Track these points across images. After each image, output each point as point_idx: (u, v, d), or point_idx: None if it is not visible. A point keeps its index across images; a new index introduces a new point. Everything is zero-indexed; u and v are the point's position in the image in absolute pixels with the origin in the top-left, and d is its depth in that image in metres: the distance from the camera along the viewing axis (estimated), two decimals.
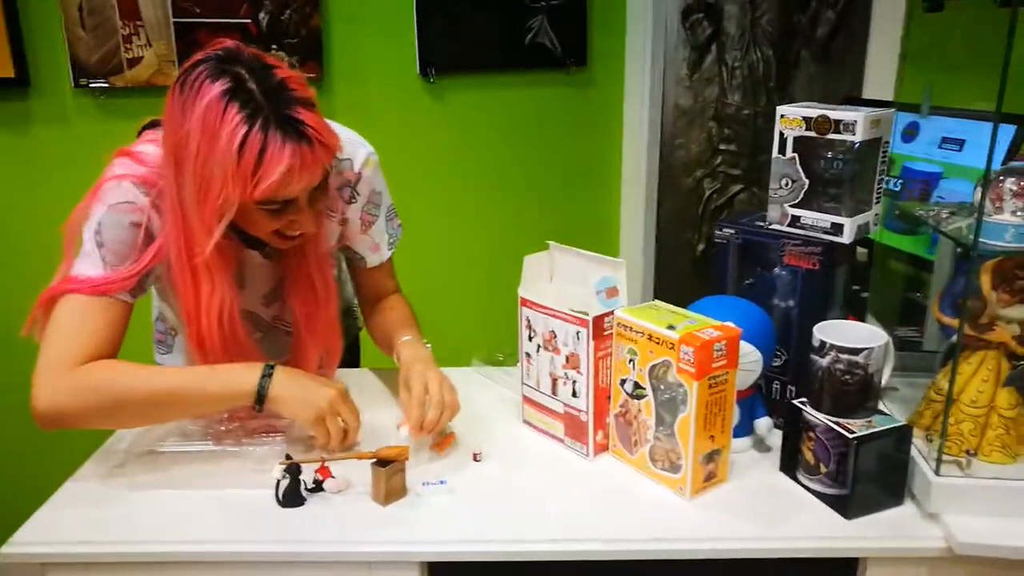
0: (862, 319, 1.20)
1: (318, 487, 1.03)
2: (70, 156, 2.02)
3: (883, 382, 1.04)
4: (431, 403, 1.10)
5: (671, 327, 1.01)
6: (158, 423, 1.14)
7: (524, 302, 1.17)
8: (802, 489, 1.04)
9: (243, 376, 1.05)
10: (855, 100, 1.83)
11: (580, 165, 2.81)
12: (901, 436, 0.99)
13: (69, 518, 0.99)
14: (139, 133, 1.15)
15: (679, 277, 2.92)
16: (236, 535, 0.96)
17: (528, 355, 1.18)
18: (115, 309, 1.06)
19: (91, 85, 2.02)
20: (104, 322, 1.05)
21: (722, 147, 2.77)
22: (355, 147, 1.21)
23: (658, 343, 1.02)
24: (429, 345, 1.26)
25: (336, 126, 1.13)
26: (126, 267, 1.06)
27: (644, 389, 1.05)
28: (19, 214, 2.03)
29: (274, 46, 2.18)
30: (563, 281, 1.19)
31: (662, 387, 1.03)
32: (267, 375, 1.05)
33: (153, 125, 1.13)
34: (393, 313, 1.33)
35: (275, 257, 1.21)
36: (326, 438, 1.07)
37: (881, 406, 1.14)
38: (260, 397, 1.04)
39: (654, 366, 1.03)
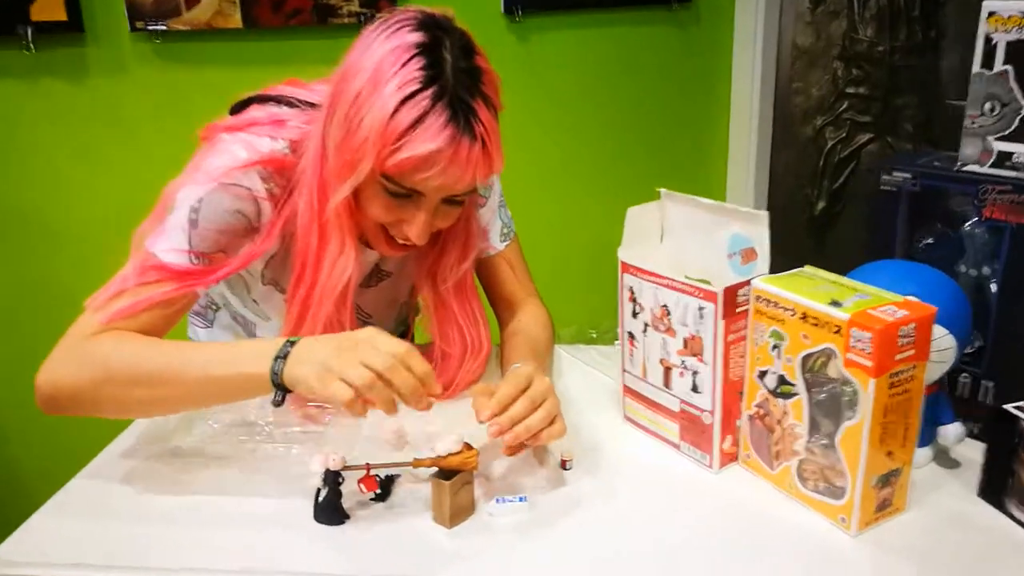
0: None
1: (383, 494, 0.82)
2: (128, 105, 1.89)
3: None
4: (525, 396, 0.83)
5: (835, 303, 0.74)
6: (166, 412, 0.92)
7: (626, 268, 0.91)
8: (1013, 524, 0.77)
9: (258, 358, 0.80)
10: None
11: (683, 113, 2.55)
12: None
13: (65, 529, 0.81)
14: (233, 111, 1.01)
15: (795, 240, 2.60)
16: (259, 559, 0.76)
17: (632, 335, 0.93)
18: (181, 300, 0.92)
19: (148, 28, 1.87)
20: (161, 315, 0.90)
21: (849, 91, 2.43)
22: None
23: (816, 325, 0.75)
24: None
25: None
26: (212, 264, 0.92)
27: (793, 386, 0.79)
28: (76, 166, 1.91)
29: None
30: (678, 240, 0.93)
31: (820, 384, 0.76)
32: (282, 356, 0.79)
33: (250, 103, 1.00)
34: (514, 340, 1.07)
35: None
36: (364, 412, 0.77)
37: None
38: (278, 387, 0.79)
39: (809, 355, 0.76)
